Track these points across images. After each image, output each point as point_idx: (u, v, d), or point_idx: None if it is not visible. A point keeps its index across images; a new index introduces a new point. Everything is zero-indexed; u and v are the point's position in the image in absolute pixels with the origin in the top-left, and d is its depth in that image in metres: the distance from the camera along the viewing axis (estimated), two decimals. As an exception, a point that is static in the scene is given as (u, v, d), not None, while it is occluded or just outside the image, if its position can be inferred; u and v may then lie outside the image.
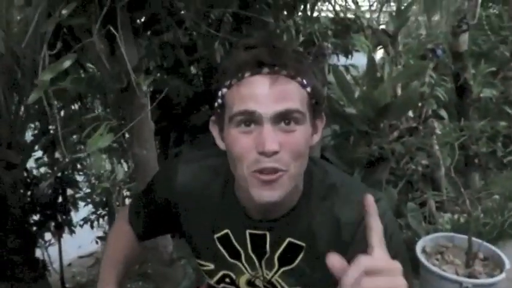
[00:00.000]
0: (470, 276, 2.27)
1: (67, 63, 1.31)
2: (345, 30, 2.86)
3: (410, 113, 2.95)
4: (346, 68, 3.35)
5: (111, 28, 1.34)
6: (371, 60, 2.76)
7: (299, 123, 0.80)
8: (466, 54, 3.40)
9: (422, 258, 2.36)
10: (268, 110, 0.77)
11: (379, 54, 4.01)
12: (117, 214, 1.29)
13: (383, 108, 2.49)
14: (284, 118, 0.78)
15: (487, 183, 3.55)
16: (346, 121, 2.70)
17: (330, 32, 2.91)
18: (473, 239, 2.37)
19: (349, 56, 3.41)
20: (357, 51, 3.37)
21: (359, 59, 3.88)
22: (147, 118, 1.95)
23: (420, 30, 5.70)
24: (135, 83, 1.66)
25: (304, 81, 0.81)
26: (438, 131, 2.89)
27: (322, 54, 2.44)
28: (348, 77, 3.17)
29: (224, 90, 0.82)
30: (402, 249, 0.91)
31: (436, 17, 5.89)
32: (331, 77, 2.81)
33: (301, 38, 3.14)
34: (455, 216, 3.07)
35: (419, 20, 5.65)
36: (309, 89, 0.82)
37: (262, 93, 0.77)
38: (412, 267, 1.05)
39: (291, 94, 0.79)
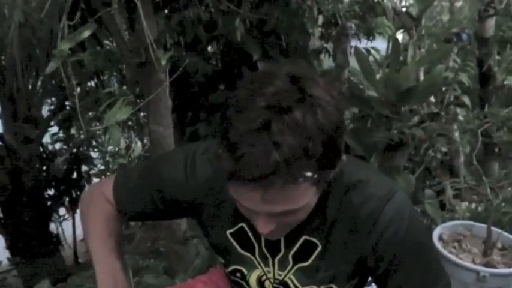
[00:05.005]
0: (487, 265, 2.23)
1: (86, 33, 1.27)
2: (369, 11, 2.78)
3: (432, 98, 2.88)
4: (368, 50, 3.28)
5: (133, -3, 1.29)
6: (395, 42, 2.67)
7: (300, 210, 0.77)
8: (491, 40, 3.30)
9: (439, 245, 2.32)
10: (263, 210, 0.74)
11: (399, 37, 3.93)
12: (98, 184, 1.18)
13: (405, 92, 2.42)
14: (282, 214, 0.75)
15: (507, 173, 3.48)
16: (366, 104, 2.63)
17: (352, 13, 2.85)
18: (493, 228, 2.32)
19: (371, 39, 3.34)
20: (380, 33, 3.30)
21: (378, 43, 3.81)
22: (164, 94, 1.93)
23: (443, 15, 5.58)
24: (154, 58, 1.64)
25: (308, 175, 0.69)
26: (461, 118, 2.82)
27: (345, 34, 2.38)
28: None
29: None
30: (416, 250, 0.87)
31: (459, 3, 5.75)
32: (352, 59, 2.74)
33: (322, 20, 3.08)
34: (473, 205, 3.02)
35: (443, 5, 5.53)
36: (312, 179, 0.71)
37: (255, 207, 0.74)
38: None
39: (288, 197, 0.71)
